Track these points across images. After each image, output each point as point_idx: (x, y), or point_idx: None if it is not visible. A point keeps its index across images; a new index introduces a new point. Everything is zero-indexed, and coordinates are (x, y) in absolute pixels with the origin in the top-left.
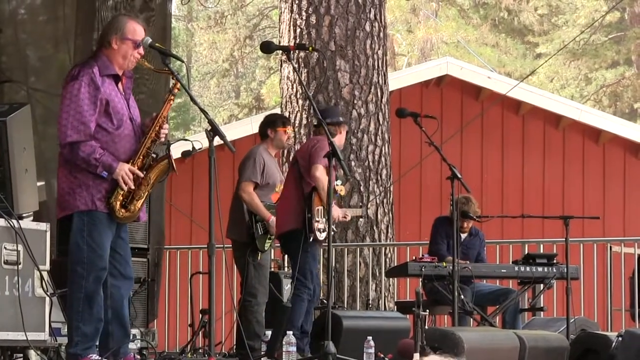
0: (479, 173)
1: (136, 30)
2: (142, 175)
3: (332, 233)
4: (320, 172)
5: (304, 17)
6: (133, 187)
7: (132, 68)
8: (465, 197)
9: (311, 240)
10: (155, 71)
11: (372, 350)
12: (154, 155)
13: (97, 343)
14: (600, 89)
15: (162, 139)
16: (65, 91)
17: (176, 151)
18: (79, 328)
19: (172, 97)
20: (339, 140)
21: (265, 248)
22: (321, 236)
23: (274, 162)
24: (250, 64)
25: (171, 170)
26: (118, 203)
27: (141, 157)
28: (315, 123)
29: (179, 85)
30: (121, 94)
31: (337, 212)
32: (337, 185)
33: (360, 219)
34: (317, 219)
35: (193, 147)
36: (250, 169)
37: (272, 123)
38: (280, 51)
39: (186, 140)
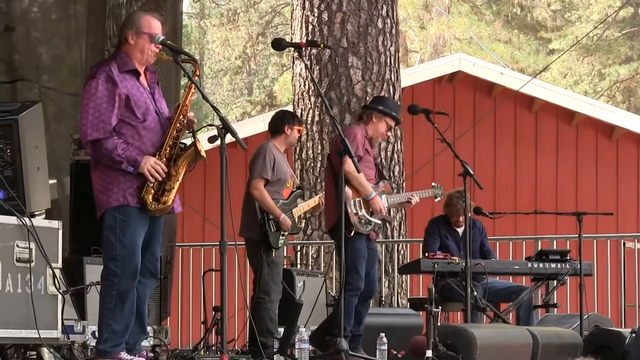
0: (491, 169)
1: (152, 23)
2: (165, 169)
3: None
4: (347, 165)
5: (316, 14)
6: (160, 179)
7: (153, 62)
8: (458, 191)
9: (352, 234)
10: (175, 62)
11: (385, 347)
12: (182, 145)
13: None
14: (614, 85)
15: (189, 127)
16: (84, 91)
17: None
18: (109, 325)
19: (193, 84)
20: (373, 128)
21: (279, 245)
22: (365, 229)
23: (284, 157)
24: (262, 61)
25: (199, 158)
26: (150, 196)
27: (168, 148)
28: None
29: (198, 71)
30: (144, 88)
31: (378, 204)
32: None
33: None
34: (354, 211)
35: (219, 132)
36: (260, 165)
37: (290, 120)
38: (292, 48)
39: (211, 125)
